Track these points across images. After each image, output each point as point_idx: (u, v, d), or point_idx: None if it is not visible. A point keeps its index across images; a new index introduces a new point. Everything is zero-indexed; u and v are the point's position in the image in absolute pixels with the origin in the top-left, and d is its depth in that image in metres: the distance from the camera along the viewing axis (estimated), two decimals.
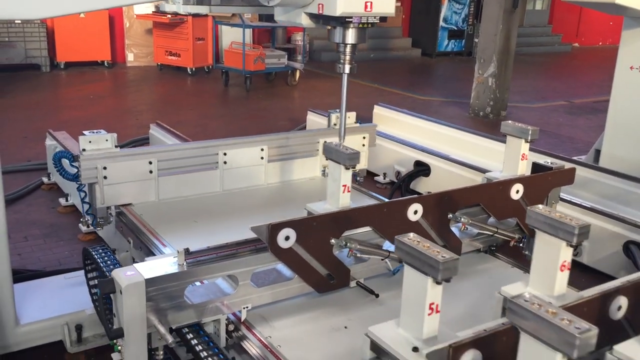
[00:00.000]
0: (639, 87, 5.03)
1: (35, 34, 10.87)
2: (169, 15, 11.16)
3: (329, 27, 3.01)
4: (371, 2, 2.86)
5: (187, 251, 2.37)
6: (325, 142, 4.10)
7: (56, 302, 3.16)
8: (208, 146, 3.90)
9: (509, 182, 3.09)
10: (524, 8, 17.71)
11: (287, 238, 2.41)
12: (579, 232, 1.97)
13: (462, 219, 2.95)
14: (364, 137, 4.40)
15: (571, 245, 2.02)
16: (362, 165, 4.40)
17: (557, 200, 3.34)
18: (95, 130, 3.53)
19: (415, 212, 2.75)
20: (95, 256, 2.74)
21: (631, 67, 5.05)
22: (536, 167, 3.26)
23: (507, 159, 3.34)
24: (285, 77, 11.18)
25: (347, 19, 2.84)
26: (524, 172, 3.29)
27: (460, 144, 5.79)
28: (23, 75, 10.65)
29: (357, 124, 4.43)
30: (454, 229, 2.99)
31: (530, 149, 3.39)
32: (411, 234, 1.89)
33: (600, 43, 20.65)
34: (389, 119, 6.69)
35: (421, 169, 5.45)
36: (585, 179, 4.59)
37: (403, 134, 6.30)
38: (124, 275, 2.18)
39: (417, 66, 14.92)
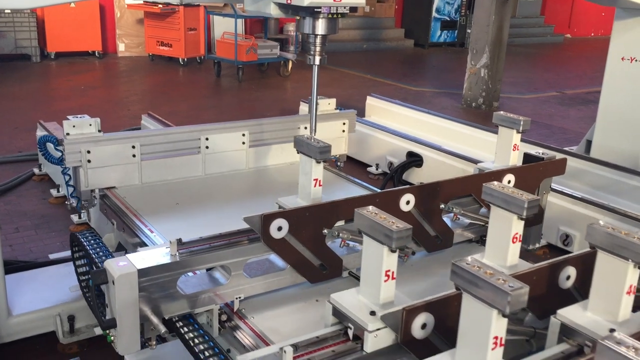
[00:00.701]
0: (630, 78, 5.05)
1: (25, 23, 10.77)
2: (160, 5, 11.09)
3: (298, 18, 2.98)
4: None
5: (179, 242, 2.37)
6: (305, 128, 4.34)
7: (48, 293, 3.15)
8: (190, 131, 4.00)
9: (501, 173, 3.10)
10: None
11: (279, 228, 2.41)
12: (528, 205, 2.10)
13: (454, 209, 2.96)
14: (343, 123, 4.54)
15: (521, 218, 2.15)
16: (342, 150, 4.57)
17: (549, 191, 3.36)
18: (79, 115, 3.61)
19: (407, 202, 2.75)
20: (83, 241, 2.75)
21: (622, 58, 5.07)
22: (528, 158, 3.28)
23: (498, 149, 3.35)
24: (278, 68, 11.15)
25: (315, 9, 2.79)
26: (515, 162, 3.31)
27: (453, 135, 5.80)
28: (13, 65, 10.57)
29: (337, 110, 4.58)
30: (445, 219, 3.00)
31: (522, 140, 3.41)
32: (370, 207, 1.99)
33: (592, 34, 20.69)
34: (382, 110, 6.70)
35: (414, 160, 5.47)
36: (577, 169, 4.62)
37: (396, 124, 6.31)
38: (116, 266, 2.18)
39: (409, 57, 14.90)
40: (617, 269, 1.83)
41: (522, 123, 3.22)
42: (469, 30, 14.85)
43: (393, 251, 1.89)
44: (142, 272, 2.20)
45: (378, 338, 1.87)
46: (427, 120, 6.19)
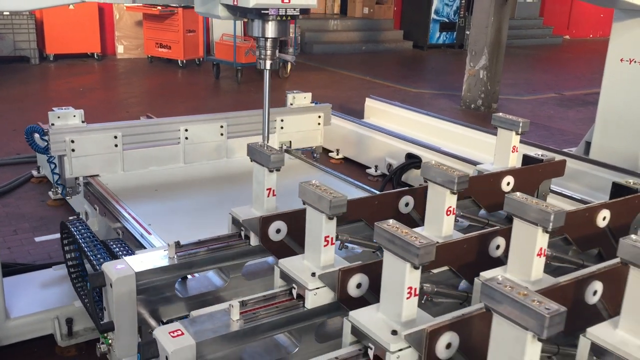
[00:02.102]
0: (629, 79, 5.04)
1: (24, 25, 10.76)
2: (160, 7, 11.08)
3: (246, 20, 2.93)
4: None
5: (177, 244, 2.36)
6: (281, 120, 4.49)
7: (46, 296, 3.14)
8: (170, 122, 4.18)
9: (500, 174, 3.09)
10: (515, 0, 17.72)
11: (278, 231, 2.41)
12: (458, 181, 2.34)
13: None
14: (319, 117, 4.79)
15: (453, 193, 2.37)
16: (318, 142, 4.87)
17: (548, 192, 3.36)
18: (63, 107, 3.83)
19: (406, 204, 2.75)
20: (72, 229, 2.78)
21: (621, 59, 5.06)
22: (527, 159, 3.28)
23: (498, 151, 3.35)
24: (277, 70, 11.15)
25: (263, 11, 2.73)
26: (514, 164, 3.30)
27: (452, 137, 5.80)
28: (12, 67, 10.55)
29: (313, 104, 4.86)
30: None
31: (521, 141, 3.40)
32: (313, 181, 2.15)
33: (591, 35, 20.71)
34: (381, 112, 6.69)
35: (413, 161, 5.46)
36: (576, 170, 4.61)
37: (395, 126, 6.31)
38: (114, 269, 2.17)
39: (408, 58, 14.91)
40: (528, 234, 2.03)
41: (521, 125, 3.22)
42: (467, 32, 14.85)
43: (330, 218, 2.07)
44: (140, 275, 2.20)
45: (317, 296, 2.06)
46: (426, 121, 6.18)
